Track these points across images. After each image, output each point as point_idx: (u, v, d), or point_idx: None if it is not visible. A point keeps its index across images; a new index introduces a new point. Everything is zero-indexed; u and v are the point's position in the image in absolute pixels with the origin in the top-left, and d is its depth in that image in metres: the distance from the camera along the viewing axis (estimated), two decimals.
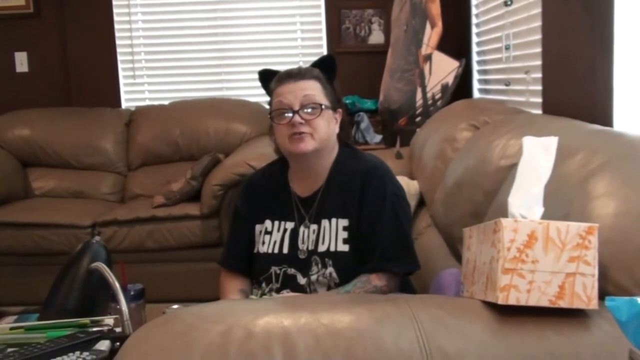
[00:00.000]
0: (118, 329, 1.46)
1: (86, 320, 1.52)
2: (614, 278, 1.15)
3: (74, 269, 1.67)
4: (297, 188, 1.97)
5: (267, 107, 1.97)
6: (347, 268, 1.84)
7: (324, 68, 1.95)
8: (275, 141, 1.96)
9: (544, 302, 1.07)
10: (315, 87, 1.88)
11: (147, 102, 4.64)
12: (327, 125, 1.88)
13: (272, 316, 1.07)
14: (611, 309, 0.83)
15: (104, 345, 1.32)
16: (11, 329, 1.53)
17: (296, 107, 1.84)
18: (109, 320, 1.54)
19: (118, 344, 1.32)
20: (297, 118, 1.83)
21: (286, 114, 1.84)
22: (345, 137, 2.01)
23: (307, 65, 2.01)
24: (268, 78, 1.97)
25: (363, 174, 1.90)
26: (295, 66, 2.02)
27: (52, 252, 3.49)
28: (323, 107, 1.86)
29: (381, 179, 1.90)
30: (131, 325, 1.49)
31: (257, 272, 1.95)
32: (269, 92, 1.95)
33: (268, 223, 1.97)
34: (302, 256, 1.89)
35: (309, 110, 1.84)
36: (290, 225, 1.94)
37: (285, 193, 1.98)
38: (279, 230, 1.95)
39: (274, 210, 1.97)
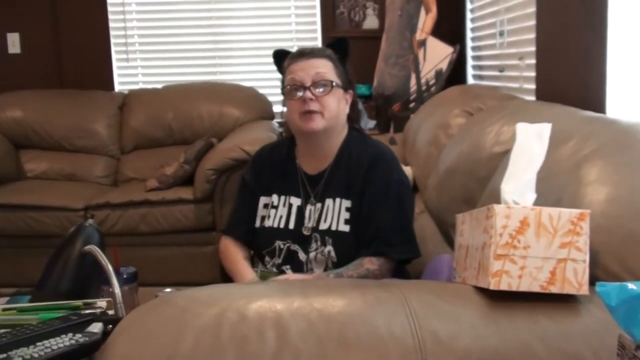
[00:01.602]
0: (111, 312, 1.46)
1: (79, 302, 1.51)
2: (604, 264, 1.16)
3: (67, 251, 1.67)
4: (305, 166, 1.99)
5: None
6: (346, 248, 1.87)
7: (338, 49, 1.98)
8: (285, 118, 1.99)
9: (535, 288, 1.08)
10: (327, 65, 1.91)
11: (141, 86, 4.62)
12: (337, 104, 1.91)
13: (265, 300, 1.07)
14: (601, 295, 0.83)
15: (96, 327, 1.32)
16: (3, 310, 1.53)
17: (307, 84, 1.87)
18: (102, 302, 1.54)
19: (111, 326, 1.32)
20: (308, 94, 1.86)
21: (298, 91, 1.87)
22: (355, 118, 2.04)
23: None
24: (282, 57, 2.00)
25: (370, 158, 1.92)
26: (292, 49, 2.04)
27: (44, 235, 3.49)
28: (334, 84, 1.89)
29: (387, 165, 1.93)
30: (124, 308, 1.49)
31: (261, 246, 1.98)
32: (282, 71, 1.98)
33: (274, 197, 1.99)
34: (306, 233, 1.92)
35: (320, 88, 1.87)
36: (296, 201, 1.96)
37: (293, 169, 2.00)
38: (284, 205, 1.97)
39: (281, 185, 2.00)
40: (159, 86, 4.47)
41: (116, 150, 4.27)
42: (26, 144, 4.20)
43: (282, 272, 1.90)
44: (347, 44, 2.01)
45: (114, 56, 4.61)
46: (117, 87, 4.62)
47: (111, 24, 4.58)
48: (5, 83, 4.42)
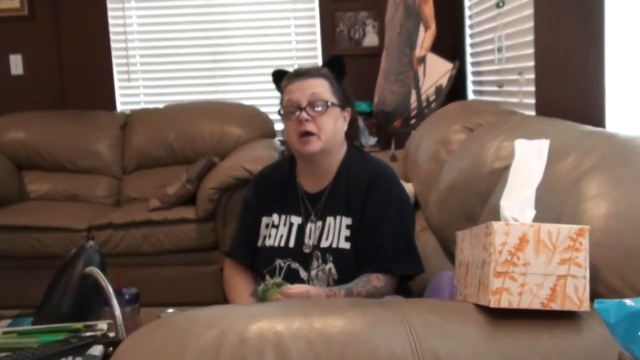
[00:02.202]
0: (111, 334, 1.46)
1: (79, 324, 1.52)
2: (605, 279, 1.15)
3: (68, 273, 1.67)
4: (305, 184, 2.00)
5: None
6: (346, 265, 1.87)
7: (333, 68, 2.00)
8: (285, 138, 2.01)
9: (536, 305, 1.08)
10: (322, 85, 1.93)
11: (143, 105, 4.63)
12: (334, 123, 1.92)
13: (265, 321, 1.07)
14: (600, 312, 0.83)
15: (97, 350, 1.32)
16: (4, 333, 1.53)
17: (303, 104, 1.89)
18: (103, 324, 1.54)
19: (111, 348, 1.32)
20: (304, 115, 1.88)
21: (294, 112, 1.89)
22: (353, 135, 2.05)
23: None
24: (281, 77, 2.02)
25: (370, 176, 1.93)
26: (291, 68, 2.06)
27: (47, 256, 3.48)
28: (329, 104, 1.90)
29: (387, 182, 1.94)
30: (125, 329, 1.49)
31: (262, 265, 1.98)
32: (281, 90, 2.00)
33: (275, 216, 2.00)
34: (307, 251, 1.92)
35: (316, 108, 1.89)
36: (296, 219, 1.97)
37: (293, 188, 2.02)
38: (285, 224, 1.98)
39: (281, 204, 2.01)
40: (161, 106, 4.49)
41: (118, 170, 4.28)
42: (29, 165, 4.21)
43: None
44: (342, 62, 2.03)
45: (115, 76, 4.64)
46: (119, 107, 4.64)
47: (113, 45, 4.60)
48: (8, 104, 4.43)
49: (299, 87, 1.92)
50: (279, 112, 1.97)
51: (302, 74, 1.95)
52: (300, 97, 1.90)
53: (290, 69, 2.04)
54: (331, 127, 1.91)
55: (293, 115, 1.90)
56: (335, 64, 2.02)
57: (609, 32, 1.90)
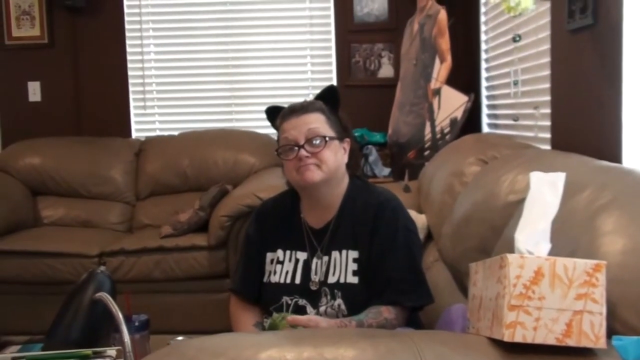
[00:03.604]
0: None
1: (88, 351, 1.50)
2: (622, 316, 1.13)
3: (78, 299, 1.66)
4: (309, 219, 1.98)
5: (276, 139, 1.98)
6: (355, 300, 1.84)
7: (328, 99, 1.97)
8: (284, 175, 1.98)
9: (551, 340, 1.06)
10: (318, 119, 1.90)
11: (158, 133, 4.66)
12: (335, 156, 1.89)
13: (275, 350, 1.06)
14: (618, 349, 0.81)
15: None
16: (13, 359, 1.52)
17: (301, 142, 1.86)
18: (112, 351, 1.53)
19: None
20: (302, 152, 1.85)
21: (292, 151, 1.86)
22: (354, 166, 2.02)
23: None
24: (275, 114, 1.99)
25: (375, 207, 1.91)
26: (303, 99, 2.04)
27: (59, 281, 3.47)
28: (327, 138, 1.87)
29: (394, 212, 1.91)
30: (135, 356, 1.48)
31: (268, 302, 1.95)
32: (276, 127, 1.98)
33: (280, 252, 1.97)
34: (313, 287, 1.90)
35: (314, 143, 1.86)
36: (302, 255, 1.95)
37: (297, 224, 1.99)
38: (290, 260, 1.95)
39: (286, 240, 1.98)
40: (176, 133, 4.52)
41: (132, 196, 4.29)
42: (43, 191, 4.23)
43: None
44: (336, 92, 2.00)
45: (131, 104, 4.68)
46: (134, 134, 4.67)
47: (130, 72, 4.65)
48: (25, 130, 4.48)
49: (294, 125, 1.89)
50: (276, 151, 1.94)
51: (297, 110, 1.92)
52: (297, 135, 1.87)
53: (284, 105, 2.00)
54: (332, 160, 1.88)
55: (292, 154, 1.87)
56: (329, 95, 1.98)
57: (627, 68, 1.90)
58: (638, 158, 1.90)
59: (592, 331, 1.05)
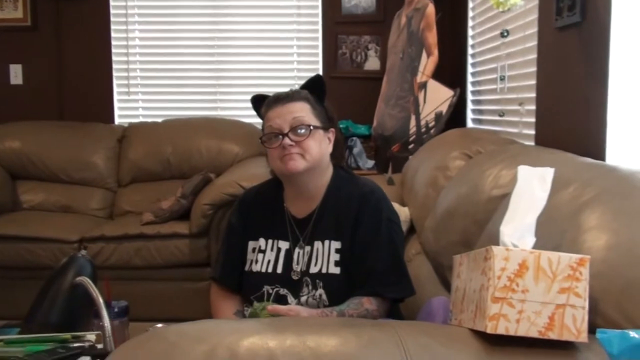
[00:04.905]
0: (100, 346, 1.44)
1: (67, 335, 1.49)
2: (603, 311, 1.14)
3: (58, 282, 1.65)
4: (292, 209, 1.97)
5: (261, 129, 1.97)
6: (337, 290, 1.84)
7: (314, 89, 1.96)
8: (268, 164, 1.97)
9: (533, 333, 1.06)
10: (304, 108, 1.90)
11: (141, 119, 4.63)
12: (319, 145, 1.89)
13: (257, 337, 1.05)
14: (603, 342, 0.82)
15: None
16: None
17: (286, 130, 1.85)
18: (91, 336, 1.51)
19: None
20: (287, 140, 1.84)
21: (276, 139, 1.86)
22: (338, 156, 2.01)
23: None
24: (260, 103, 1.98)
25: (359, 198, 1.90)
26: (289, 89, 2.02)
27: (38, 266, 3.44)
28: (312, 127, 1.87)
29: (377, 203, 1.91)
30: (114, 342, 1.47)
31: (249, 291, 1.94)
32: (261, 116, 1.96)
33: (262, 241, 1.97)
34: (295, 277, 1.89)
35: (299, 132, 1.85)
36: (284, 245, 1.94)
37: (280, 213, 1.98)
38: (272, 249, 1.95)
39: (268, 229, 1.97)
40: (159, 120, 4.48)
41: (113, 183, 4.26)
42: (23, 175, 4.18)
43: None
44: (322, 82, 1.99)
45: (115, 90, 4.64)
46: (117, 120, 4.63)
47: (114, 58, 4.61)
48: (6, 114, 4.42)
49: (279, 113, 1.88)
50: (260, 139, 1.92)
51: (282, 98, 1.91)
52: (282, 123, 1.86)
53: (291, 88, 2.00)
54: (316, 150, 1.87)
55: (276, 142, 1.86)
56: (316, 85, 1.97)
57: (613, 66, 1.91)
58: (622, 155, 1.91)
59: (574, 325, 1.06)
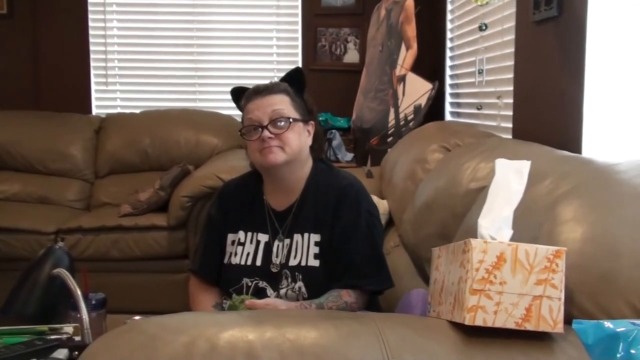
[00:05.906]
0: (77, 338, 1.43)
1: (44, 327, 1.48)
2: (579, 302, 1.15)
3: (35, 274, 1.64)
4: (272, 202, 1.97)
5: (240, 121, 1.97)
6: (316, 283, 1.85)
7: (293, 81, 1.96)
8: (248, 156, 1.97)
9: (511, 324, 1.07)
10: (283, 101, 1.89)
11: (119, 110, 4.59)
12: (298, 138, 1.89)
13: (237, 329, 1.05)
14: (578, 332, 0.83)
15: (62, 353, 1.29)
16: None
17: (265, 122, 1.85)
18: (69, 328, 1.50)
19: (77, 353, 1.29)
20: (266, 133, 1.84)
21: (256, 130, 1.85)
22: (318, 149, 2.01)
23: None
24: (240, 95, 1.98)
25: (338, 190, 1.91)
26: (268, 81, 2.02)
27: (13, 258, 3.41)
28: (292, 120, 1.87)
29: (356, 196, 1.92)
30: (91, 334, 1.46)
31: (228, 283, 1.94)
32: (241, 109, 1.96)
33: (241, 234, 1.96)
34: (274, 270, 1.89)
35: (278, 124, 1.85)
36: (263, 237, 1.94)
37: (260, 206, 1.98)
38: (251, 242, 1.95)
39: (248, 222, 1.97)
40: (137, 111, 4.45)
41: (90, 174, 4.22)
42: None
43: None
44: (302, 75, 1.99)
45: (92, 80, 4.59)
46: (95, 111, 4.59)
47: (92, 47, 4.57)
48: None
49: (258, 105, 1.87)
50: (240, 131, 1.92)
51: (262, 91, 1.90)
52: (261, 116, 1.85)
53: (271, 80, 2.00)
54: (296, 142, 1.87)
55: (255, 135, 1.86)
56: (295, 78, 1.97)
57: (589, 60, 1.93)
58: (597, 148, 1.93)
59: (550, 316, 1.07)
